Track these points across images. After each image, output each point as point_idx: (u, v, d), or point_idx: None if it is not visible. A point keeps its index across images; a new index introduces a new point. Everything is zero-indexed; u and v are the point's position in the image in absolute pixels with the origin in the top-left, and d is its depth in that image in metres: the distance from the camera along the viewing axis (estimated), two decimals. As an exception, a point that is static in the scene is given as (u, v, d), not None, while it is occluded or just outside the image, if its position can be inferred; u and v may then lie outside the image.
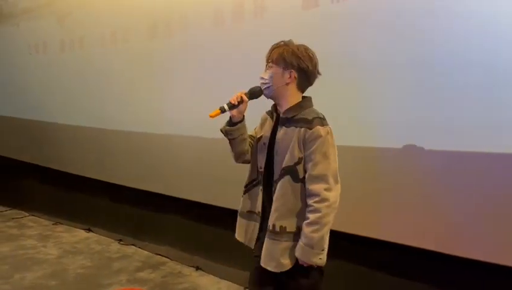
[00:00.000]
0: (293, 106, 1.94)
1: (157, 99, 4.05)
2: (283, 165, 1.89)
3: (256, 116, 2.14)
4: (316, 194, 1.82)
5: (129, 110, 4.34)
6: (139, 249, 4.40)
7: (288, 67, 1.91)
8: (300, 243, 1.85)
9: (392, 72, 2.55)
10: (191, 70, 3.75)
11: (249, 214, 2.08)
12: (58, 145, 5.29)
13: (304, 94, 1.99)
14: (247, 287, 3.45)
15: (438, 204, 2.43)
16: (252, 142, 2.08)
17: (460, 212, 2.36)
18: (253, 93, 1.97)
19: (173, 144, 3.97)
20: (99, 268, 3.96)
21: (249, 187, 2.09)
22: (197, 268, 3.87)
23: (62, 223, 5.33)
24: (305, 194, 1.88)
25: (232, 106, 1.94)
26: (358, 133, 2.67)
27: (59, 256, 4.27)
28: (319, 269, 1.92)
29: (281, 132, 1.93)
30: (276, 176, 1.93)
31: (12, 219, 5.58)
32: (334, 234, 1.96)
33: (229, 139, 2.03)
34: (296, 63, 1.90)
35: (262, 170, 2.01)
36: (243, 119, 2.00)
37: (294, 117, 1.91)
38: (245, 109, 1.98)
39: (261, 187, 2.02)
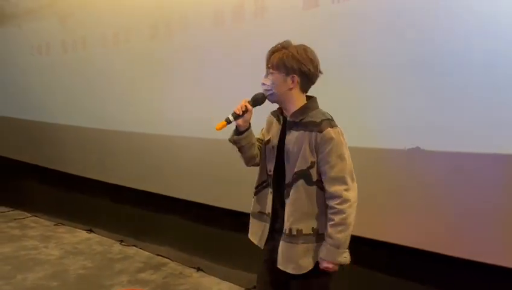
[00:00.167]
0: (299, 108, 1.93)
1: (158, 100, 4.05)
2: (296, 170, 1.90)
3: (259, 117, 2.12)
4: (338, 196, 1.84)
5: (130, 110, 4.34)
6: (140, 250, 4.40)
7: (290, 72, 1.88)
8: (326, 244, 1.87)
9: (393, 72, 2.54)
10: (191, 70, 3.74)
11: (260, 214, 2.09)
12: (60, 145, 5.30)
13: (307, 93, 1.98)
14: (248, 288, 3.45)
15: (439, 205, 2.42)
16: (261, 145, 2.08)
17: (462, 214, 2.35)
18: (257, 101, 1.96)
19: (174, 145, 3.97)
20: (100, 269, 3.97)
21: (259, 189, 2.10)
22: (198, 269, 3.86)
23: (64, 224, 5.34)
24: (319, 197, 1.90)
25: (237, 116, 1.93)
26: (358, 134, 2.66)
27: (60, 257, 4.27)
28: (328, 271, 1.93)
29: (290, 135, 1.93)
30: (288, 180, 1.93)
31: (15, 219, 5.60)
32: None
33: (237, 147, 2.04)
34: (298, 68, 1.88)
35: (271, 173, 2.02)
36: (249, 127, 2.00)
37: (302, 120, 1.90)
38: (250, 118, 1.97)
39: (270, 190, 2.03)
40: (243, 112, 1.93)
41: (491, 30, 2.18)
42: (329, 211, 1.86)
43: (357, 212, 1.89)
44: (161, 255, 4.22)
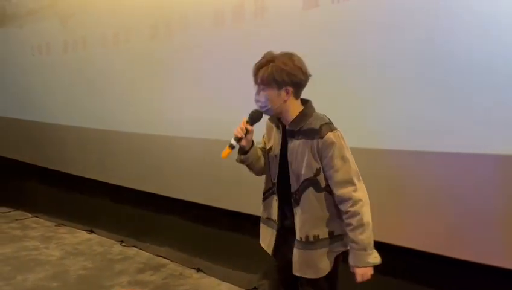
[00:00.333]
0: (297, 117, 1.92)
1: (158, 100, 4.05)
2: (303, 178, 1.90)
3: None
4: (348, 199, 1.84)
5: (130, 110, 4.33)
6: (141, 251, 4.39)
7: (282, 85, 1.86)
8: (353, 250, 1.87)
9: (393, 72, 2.53)
10: (191, 70, 3.74)
11: (267, 220, 2.12)
12: (60, 146, 5.30)
13: (301, 97, 1.97)
14: (248, 289, 3.45)
15: (439, 206, 2.41)
16: (265, 154, 2.10)
17: (462, 215, 2.34)
18: (255, 119, 1.96)
19: (174, 145, 3.96)
20: (100, 270, 3.96)
21: (266, 195, 2.12)
22: (198, 270, 3.85)
23: (64, 225, 5.33)
24: (330, 200, 1.91)
25: (239, 139, 1.94)
26: (358, 134, 2.65)
27: (61, 257, 4.27)
28: (335, 273, 1.95)
29: (292, 145, 1.93)
30: (294, 188, 1.94)
31: (16, 220, 5.60)
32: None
33: (246, 165, 2.07)
34: (289, 80, 1.85)
35: (275, 181, 2.03)
36: (252, 144, 2.01)
37: (302, 128, 1.90)
38: (252, 137, 1.98)
39: (275, 197, 2.05)
40: (244, 133, 1.94)
41: (491, 30, 2.17)
42: (344, 216, 1.87)
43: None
44: (161, 256, 4.21)
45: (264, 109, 1.93)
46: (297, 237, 1.94)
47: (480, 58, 2.20)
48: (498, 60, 2.15)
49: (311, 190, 1.90)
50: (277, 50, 2.91)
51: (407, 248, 2.56)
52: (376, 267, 2.75)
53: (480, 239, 2.29)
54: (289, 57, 1.87)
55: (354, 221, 1.83)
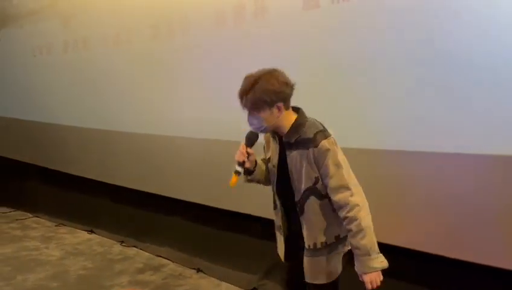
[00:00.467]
0: (291, 128, 1.93)
1: (159, 100, 4.05)
2: (304, 188, 1.92)
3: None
4: (345, 204, 1.85)
5: (131, 110, 4.34)
6: (141, 251, 4.39)
7: (272, 104, 1.86)
8: (357, 256, 1.87)
9: (393, 72, 2.53)
10: (192, 70, 3.74)
11: (278, 227, 2.16)
12: (61, 146, 5.31)
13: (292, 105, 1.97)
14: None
15: (440, 206, 2.41)
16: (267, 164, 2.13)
17: (462, 215, 2.34)
18: (252, 140, 1.99)
19: (175, 145, 3.96)
20: (100, 270, 3.96)
21: (275, 204, 2.14)
22: (198, 270, 3.85)
23: (65, 225, 5.33)
24: (333, 207, 1.91)
25: (242, 164, 1.96)
26: (358, 134, 2.65)
27: (61, 257, 4.27)
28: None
29: (290, 156, 1.94)
30: (297, 197, 1.96)
31: (16, 220, 5.60)
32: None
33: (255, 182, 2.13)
34: (277, 97, 1.86)
35: (275, 190, 2.08)
36: (256, 163, 2.05)
37: (297, 139, 1.91)
38: (254, 157, 2.02)
39: (279, 206, 2.08)
40: (246, 157, 1.97)
41: (491, 30, 2.17)
42: (344, 222, 1.87)
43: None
44: (161, 256, 4.20)
45: (260, 130, 1.96)
46: (306, 245, 1.97)
47: (480, 58, 2.20)
48: (498, 60, 2.15)
49: (313, 198, 1.92)
50: (277, 50, 2.94)
51: (407, 248, 2.56)
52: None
53: (480, 239, 2.29)
54: (271, 74, 1.87)
55: (353, 227, 1.83)
